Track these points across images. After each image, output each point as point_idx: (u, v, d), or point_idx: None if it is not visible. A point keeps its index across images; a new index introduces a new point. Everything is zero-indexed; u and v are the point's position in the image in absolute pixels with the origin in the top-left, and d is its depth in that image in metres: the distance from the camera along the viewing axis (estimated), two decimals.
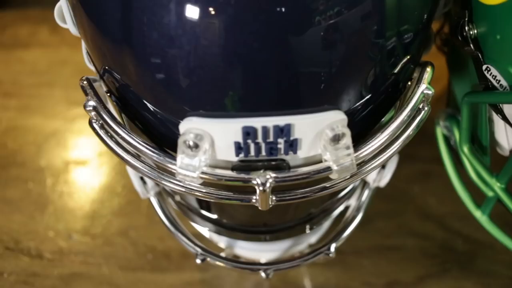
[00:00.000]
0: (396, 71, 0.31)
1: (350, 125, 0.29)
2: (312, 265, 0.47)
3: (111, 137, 0.31)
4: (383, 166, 0.38)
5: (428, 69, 0.32)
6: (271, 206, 0.31)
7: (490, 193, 0.37)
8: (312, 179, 0.29)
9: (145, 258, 0.49)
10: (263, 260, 0.44)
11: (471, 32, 0.33)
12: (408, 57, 0.31)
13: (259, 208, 0.31)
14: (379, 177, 0.39)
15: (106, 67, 0.30)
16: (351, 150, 0.29)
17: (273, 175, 0.29)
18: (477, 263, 0.45)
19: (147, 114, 0.31)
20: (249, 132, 0.27)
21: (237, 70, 0.26)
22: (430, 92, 0.31)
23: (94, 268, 0.48)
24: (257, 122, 0.27)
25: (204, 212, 0.42)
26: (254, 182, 0.29)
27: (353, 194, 0.40)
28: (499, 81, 0.32)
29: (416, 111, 0.31)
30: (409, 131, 0.31)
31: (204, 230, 0.45)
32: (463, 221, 0.47)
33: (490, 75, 0.33)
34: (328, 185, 0.31)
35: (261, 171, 0.29)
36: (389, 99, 0.31)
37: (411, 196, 0.50)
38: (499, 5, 0.30)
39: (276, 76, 0.27)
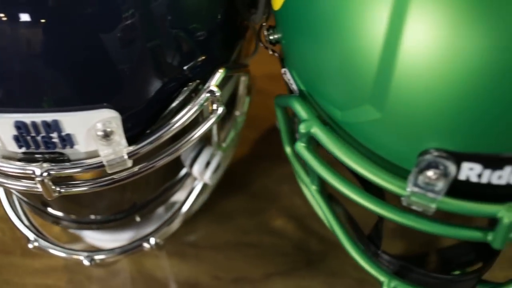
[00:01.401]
0: (178, 71, 0.32)
1: (130, 121, 0.31)
2: (171, 257, 0.48)
3: None
4: (208, 162, 0.40)
5: (220, 71, 0.33)
6: (57, 195, 0.32)
7: None
8: (88, 172, 0.31)
9: (19, 242, 0.50)
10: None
11: (270, 37, 0.34)
12: (196, 58, 0.33)
13: (46, 197, 0.32)
14: (207, 174, 0.40)
15: None
16: (122, 146, 0.30)
17: (46, 166, 0.31)
18: (327, 263, 0.46)
19: None
20: (20, 127, 0.29)
21: (6, 68, 0.28)
22: (217, 93, 0.32)
23: None
24: (27, 118, 0.29)
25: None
26: (30, 172, 0.31)
27: (180, 188, 0.42)
28: (292, 84, 0.34)
29: (211, 113, 0.33)
30: (199, 130, 0.33)
31: None
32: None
33: (286, 78, 0.34)
34: (117, 177, 0.33)
35: (40, 163, 0.31)
36: (171, 99, 0.33)
37: (278, 196, 0.51)
38: (279, 10, 0.32)
39: (42, 75, 0.29)
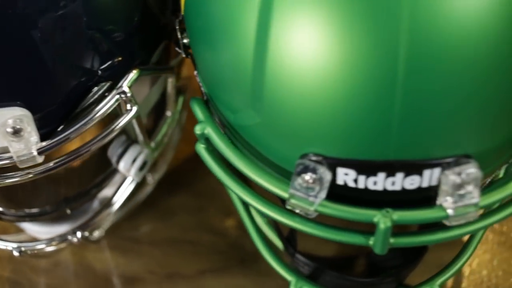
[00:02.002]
0: (93, 71, 0.33)
1: (44, 119, 0.32)
2: (111, 251, 0.49)
3: None
4: (134, 160, 0.41)
5: (133, 72, 0.34)
6: None
7: None
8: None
9: None
10: None
11: (184, 40, 0.35)
12: (113, 58, 0.34)
13: None
14: (132, 171, 0.41)
15: None
16: (32, 143, 0.31)
17: None
18: (259, 263, 0.46)
19: None
20: None
21: None
22: (128, 93, 0.33)
23: None
24: None
25: None
26: None
27: (109, 184, 0.43)
28: (201, 87, 0.34)
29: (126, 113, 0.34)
30: (111, 130, 0.34)
31: None
32: None
33: (198, 81, 0.35)
34: (32, 172, 0.34)
35: None
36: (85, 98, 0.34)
37: (220, 194, 0.50)
38: (184, 14, 0.32)
39: None
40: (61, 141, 0.33)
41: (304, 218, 0.29)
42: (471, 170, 0.27)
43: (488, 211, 0.31)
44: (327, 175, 0.27)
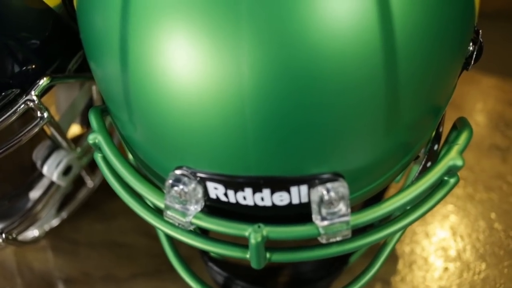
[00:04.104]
0: (3, 78, 0.34)
1: None
2: (50, 251, 0.50)
3: None
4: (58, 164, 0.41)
5: (43, 79, 0.35)
6: None
7: None
8: None
9: None
10: None
11: None
12: (26, 65, 0.34)
13: None
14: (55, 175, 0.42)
15: None
16: None
17: None
18: (192, 265, 0.47)
19: None
20: None
21: None
22: (35, 101, 0.34)
23: None
24: None
25: None
26: None
27: (36, 187, 0.44)
28: None
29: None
30: (19, 137, 0.34)
31: None
32: None
33: None
34: None
35: None
36: None
37: None
38: None
39: None
40: None
41: (183, 229, 0.30)
42: (339, 188, 0.27)
43: (371, 229, 0.30)
44: (198, 189, 0.27)
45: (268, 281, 0.45)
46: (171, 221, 0.28)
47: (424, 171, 0.35)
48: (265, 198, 0.27)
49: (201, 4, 0.23)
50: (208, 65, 0.24)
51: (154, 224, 0.30)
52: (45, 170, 0.41)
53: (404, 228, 0.31)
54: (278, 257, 0.29)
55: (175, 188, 0.27)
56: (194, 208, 0.28)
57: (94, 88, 0.42)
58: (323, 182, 0.27)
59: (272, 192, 0.27)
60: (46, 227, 0.49)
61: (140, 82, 0.26)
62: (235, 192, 0.27)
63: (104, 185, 0.55)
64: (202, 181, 0.27)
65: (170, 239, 0.39)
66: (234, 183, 0.27)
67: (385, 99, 0.26)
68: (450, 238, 0.50)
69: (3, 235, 0.41)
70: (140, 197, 0.32)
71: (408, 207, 0.31)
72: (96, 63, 0.29)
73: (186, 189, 0.27)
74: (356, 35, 0.24)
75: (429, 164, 0.35)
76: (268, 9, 0.23)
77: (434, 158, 0.35)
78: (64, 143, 0.40)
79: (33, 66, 0.35)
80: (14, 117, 0.34)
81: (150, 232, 0.51)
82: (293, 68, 0.24)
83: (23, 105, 0.34)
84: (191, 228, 0.29)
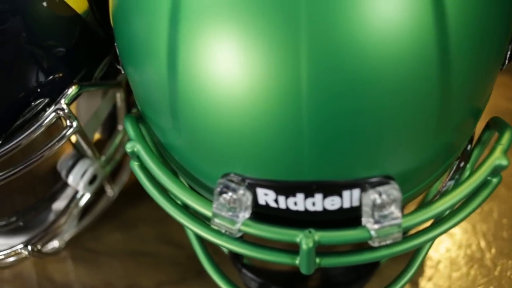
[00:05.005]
0: (32, 87, 0.33)
1: None
2: (72, 262, 0.49)
3: None
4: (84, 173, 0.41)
5: (72, 88, 0.34)
6: None
7: None
8: None
9: None
10: None
11: None
12: (54, 74, 0.34)
13: None
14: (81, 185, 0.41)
15: None
16: None
17: None
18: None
19: None
20: None
21: None
22: (65, 110, 0.34)
23: None
24: None
25: None
26: None
27: (60, 197, 0.43)
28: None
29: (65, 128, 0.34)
30: (48, 146, 0.34)
31: None
32: None
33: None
34: None
35: None
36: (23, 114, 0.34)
37: None
38: None
39: None
40: None
41: (231, 236, 0.30)
42: (391, 191, 0.27)
43: (418, 231, 0.30)
44: (247, 196, 0.27)
45: (298, 285, 0.45)
46: (218, 228, 0.28)
47: (458, 171, 0.35)
48: (316, 203, 0.27)
49: (258, 7, 0.23)
50: (264, 69, 0.23)
51: (198, 232, 0.30)
52: (70, 180, 0.41)
53: (450, 228, 0.31)
54: (328, 261, 0.29)
55: (224, 195, 0.27)
56: (243, 215, 0.28)
57: (118, 95, 0.42)
58: (374, 185, 0.26)
59: (324, 197, 0.27)
60: (66, 237, 0.48)
61: (190, 87, 0.25)
62: (286, 197, 0.27)
63: (122, 193, 0.54)
64: (252, 187, 0.27)
65: (203, 244, 0.38)
66: (285, 189, 0.26)
67: (438, 100, 0.26)
68: (474, 237, 0.50)
69: (29, 248, 0.40)
70: (181, 205, 0.31)
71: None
72: (136, 69, 0.29)
73: (235, 196, 0.27)
74: (412, 36, 0.24)
75: (462, 164, 0.35)
76: (327, 12, 0.23)
77: (467, 158, 0.35)
78: (89, 152, 0.40)
79: (60, 75, 0.35)
80: (44, 127, 0.33)
81: (173, 240, 0.50)
82: (351, 72, 0.23)
83: (53, 114, 0.34)
84: (239, 235, 0.29)
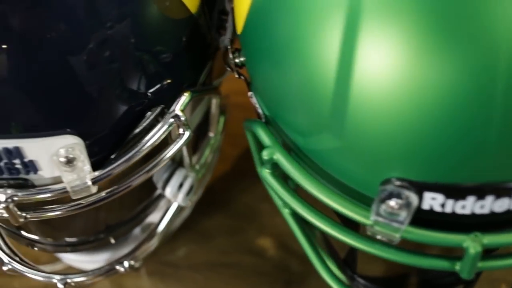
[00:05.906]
0: (143, 94, 0.32)
1: (95, 147, 0.31)
2: (150, 277, 0.47)
3: None
4: (181, 184, 0.39)
5: (185, 95, 0.33)
6: (23, 221, 0.32)
7: None
8: (53, 198, 0.31)
9: None
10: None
11: (236, 60, 0.34)
12: (162, 81, 0.32)
13: (12, 222, 0.32)
14: (180, 196, 0.40)
15: None
16: (86, 172, 0.30)
17: (10, 192, 0.30)
18: (307, 284, 0.46)
19: None
20: None
21: None
22: (182, 118, 0.32)
23: None
24: None
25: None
26: None
27: (155, 210, 0.41)
28: (258, 108, 0.33)
29: (177, 137, 0.33)
30: (164, 156, 0.32)
31: None
32: None
33: (253, 102, 0.34)
34: (84, 203, 0.32)
35: (4, 189, 0.31)
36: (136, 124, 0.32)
37: (259, 214, 0.50)
38: (242, 33, 0.31)
39: (5, 101, 0.28)
40: (114, 169, 0.31)
41: (384, 244, 0.28)
42: None
43: None
44: (414, 200, 0.26)
45: None
46: (377, 236, 0.27)
47: None
48: (485, 205, 0.25)
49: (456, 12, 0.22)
50: (453, 66, 0.22)
51: (348, 241, 0.28)
52: (168, 192, 0.39)
53: None
54: (490, 264, 0.28)
55: (389, 202, 0.26)
56: (407, 221, 0.27)
57: (214, 101, 0.40)
58: None
59: (496, 199, 0.25)
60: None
61: (364, 88, 0.24)
62: (455, 201, 0.26)
63: (195, 204, 0.52)
64: (419, 192, 0.26)
65: (312, 243, 0.37)
66: (456, 192, 0.25)
67: None
68: None
69: (128, 264, 0.38)
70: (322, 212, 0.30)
71: None
72: (279, 69, 0.27)
73: (400, 202, 0.26)
74: None
75: None
76: None
77: None
78: (187, 161, 0.38)
79: (169, 81, 0.33)
80: (160, 138, 0.32)
81: (253, 249, 0.49)
82: None
83: (171, 121, 0.32)
84: (397, 242, 0.28)
